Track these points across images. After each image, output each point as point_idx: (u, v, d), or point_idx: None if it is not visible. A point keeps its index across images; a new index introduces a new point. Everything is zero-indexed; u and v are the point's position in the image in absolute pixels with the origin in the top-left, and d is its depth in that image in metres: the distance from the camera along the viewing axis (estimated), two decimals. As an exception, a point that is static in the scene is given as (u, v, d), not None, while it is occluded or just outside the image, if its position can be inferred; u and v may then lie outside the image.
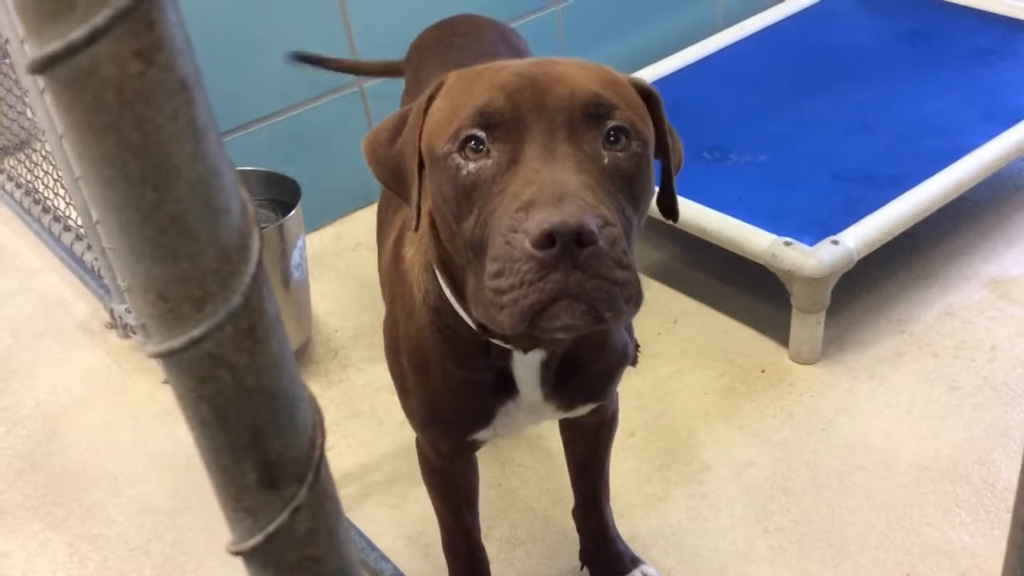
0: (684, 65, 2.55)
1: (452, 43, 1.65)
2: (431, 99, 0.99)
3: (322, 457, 0.42)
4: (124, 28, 0.31)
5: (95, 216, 1.78)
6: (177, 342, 0.36)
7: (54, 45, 0.30)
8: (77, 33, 0.30)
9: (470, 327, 1.06)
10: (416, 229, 1.03)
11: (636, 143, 0.92)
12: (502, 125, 0.89)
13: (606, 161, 0.90)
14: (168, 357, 0.36)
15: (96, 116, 0.32)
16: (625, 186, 0.91)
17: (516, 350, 1.09)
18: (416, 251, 1.14)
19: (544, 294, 0.82)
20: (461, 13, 1.77)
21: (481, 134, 0.89)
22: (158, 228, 0.34)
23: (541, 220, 0.80)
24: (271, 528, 0.40)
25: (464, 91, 0.94)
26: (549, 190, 0.82)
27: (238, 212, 0.36)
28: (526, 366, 1.12)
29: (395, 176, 1.04)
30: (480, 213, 0.89)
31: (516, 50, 1.70)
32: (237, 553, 0.41)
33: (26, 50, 1.56)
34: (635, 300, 0.88)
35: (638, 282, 0.89)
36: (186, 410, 0.38)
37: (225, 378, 0.37)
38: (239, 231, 0.36)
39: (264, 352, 0.38)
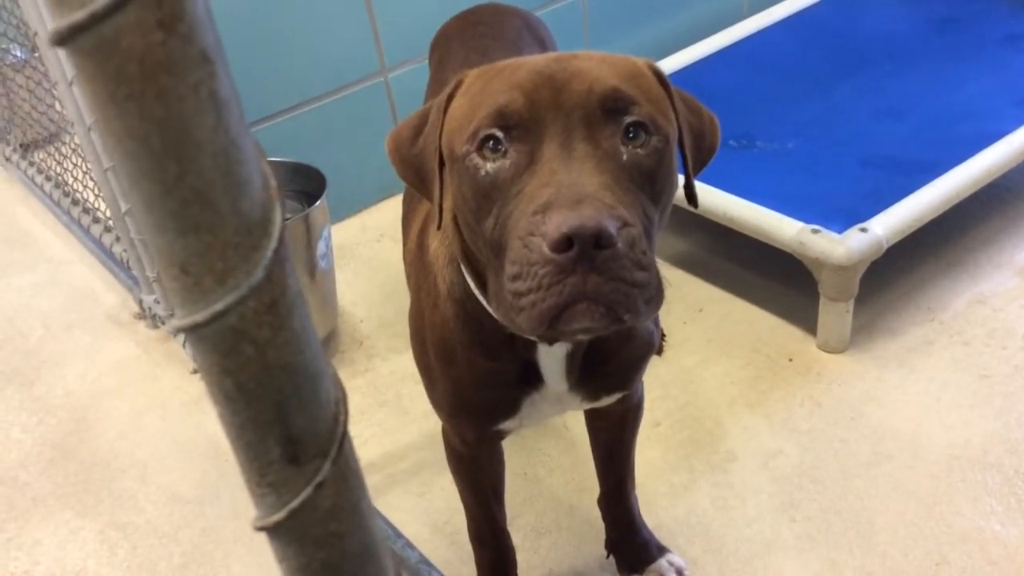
0: (711, 52, 2.54)
1: (475, 31, 1.65)
2: (451, 97, 0.99)
3: (345, 432, 0.42)
4: (146, -2, 0.31)
5: (124, 205, 1.79)
6: (200, 316, 0.36)
7: (76, 15, 0.31)
8: (99, 2, 0.30)
9: (495, 319, 1.06)
10: (439, 227, 1.02)
11: (656, 138, 0.90)
12: (520, 125, 0.88)
13: (625, 158, 0.88)
14: (191, 331, 0.36)
15: (119, 87, 0.32)
16: (645, 183, 0.90)
17: (541, 342, 1.09)
18: (440, 243, 1.13)
19: (562, 297, 0.82)
20: (486, 2, 1.77)
21: (499, 134, 0.88)
22: (180, 200, 0.34)
23: (559, 223, 0.79)
24: (295, 503, 0.40)
25: (483, 90, 0.93)
26: (566, 192, 0.82)
27: (260, 186, 0.36)
28: (552, 357, 1.12)
29: (418, 174, 1.03)
30: (499, 214, 0.88)
31: (539, 39, 1.70)
32: (261, 528, 0.41)
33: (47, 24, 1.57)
34: (655, 300, 0.87)
35: (659, 281, 0.88)
36: (210, 385, 0.38)
37: (248, 352, 0.37)
38: (261, 205, 0.36)
39: (286, 327, 0.38)
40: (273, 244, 0.36)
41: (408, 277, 1.35)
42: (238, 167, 0.35)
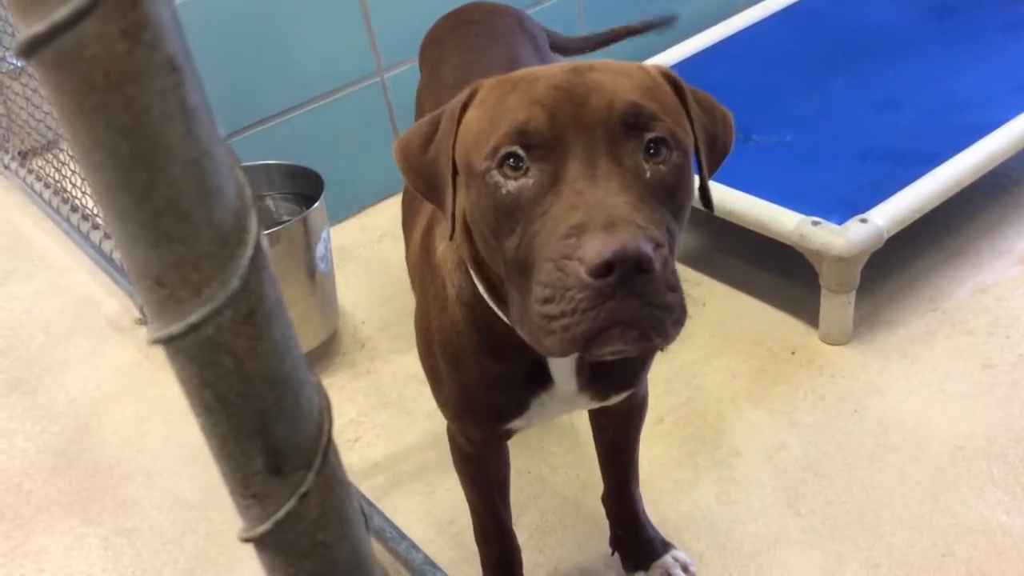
0: (707, 46, 2.53)
1: (468, 31, 1.64)
2: (464, 107, 0.96)
3: (329, 442, 0.41)
4: (109, 7, 0.30)
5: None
6: (176, 328, 0.35)
7: (38, 27, 0.30)
8: (60, 13, 0.30)
9: (505, 323, 1.05)
10: (451, 237, 1.00)
11: (676, 153, 0.89)
12: (541, 143, 0.86)
13: (648, 175, 0.87)
14: (168, 343, 0.36)
15: (84, 98, 0.31)
16: (667, 199, 0.89)
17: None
18: (448, 248, 1.12)
19: (597, 322, 0.80)
20: (475, 0, 1.76)
21: (520, 152, 0.86)
22: (152, 211, 0.33)
23: (598, 249, 0.78)
24: (280, 515, 0.40)
25: (500, 103, 0.91)
26: (599, 215, 0.80)
27: (234, 194, 0.36)
28: (562, 360, 1.11)
29: (428, 183, 1.01)
30: (523, 234, 0.86)
31: (532, 36, 1.69)
32: (247, 540, 0.41)
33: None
34: (681, 320, 0.86)
35: (684, 300, 0.87)
36: (189, 397, 0.38)
37: (226, 364, 0.37)
38: (235, 213, 0.36)
39: (266, 337, 0.37)
40: (249, 253, 0.36)
41: (412, 279, 1.34)
42: (210, 176, 0.34)
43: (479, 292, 1.06)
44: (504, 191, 0.87)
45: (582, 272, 0.79)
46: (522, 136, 0.86)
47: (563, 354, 0.85)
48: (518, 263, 0.88)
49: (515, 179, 0.86)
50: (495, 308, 1.05)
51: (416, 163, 1.01)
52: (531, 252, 0.85)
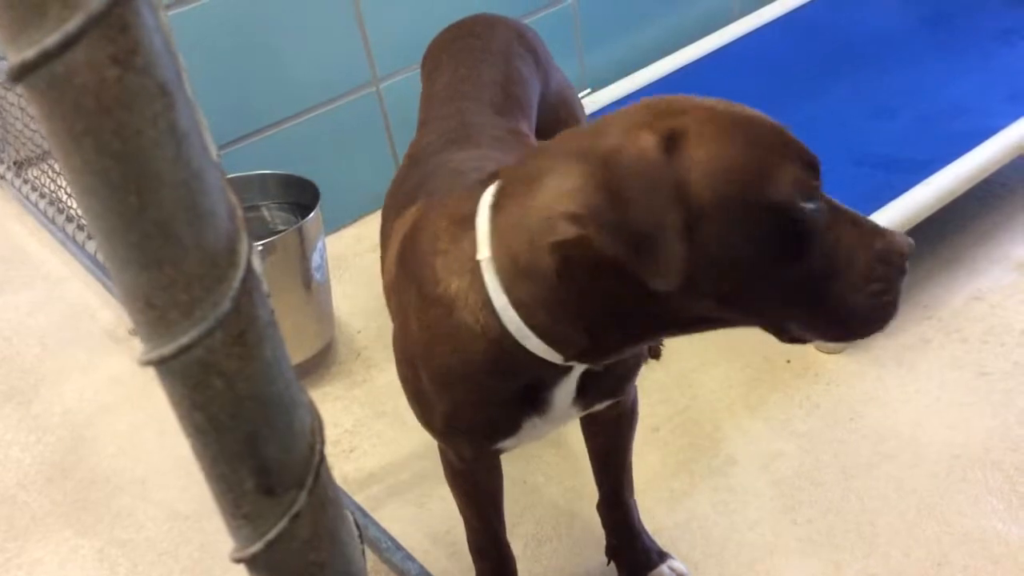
0: (702, 55, 2.53)
1: (465, 44, 1.64)
2: (668, 150, 0.91)
3: (322, 462, 0.41)
4: (98, 33, 0.30)
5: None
6: (167, 349, 0.35)
7: (28, 53, 0.30)
8: (50, 40, 0.30)
9: (528, 351, 1.04)
10: (676, 287, 0.92)
11: None
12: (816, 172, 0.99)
13: None
14: (159, 365, 0.36)
15: (75, 123, 0.32)
16: None
17: (594, 365, 1.09)
18: (469, 287, 1.05)
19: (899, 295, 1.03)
20: (477, 13, 1.76)
21: (816, 182, 0.98)
22: (142, 234, 0.33)
23: (903, 243, 1.01)
24: (271, 535, 0.40)
25: (743, 137, 0.96)
26: (871, 222, 1.01)
27: (225, 216, 0.36)
28: (570, 378, 1.12)
29: (637, 241, 0.91)
30: (821, 252, 0.97)
31: (532, 50, 1.68)
32: (239, 560, 0.41)
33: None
34: None
35: None
36: (180, 418, 0.38)
37: (217, 385, 0.37)
38: (226, 236, 0.36)
39: (257, 358, 0.38)
40: (240, 275, 0.36)
41: (389, 300, 1.30)
42: (201, 199, 0.34)
43: (507, 329, 1.03)
44: (811, 218, 0.96)
45: (904, 262, 1.01)
46: (811, 167, 0.98)
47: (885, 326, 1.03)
48: (816, 275, 0.98)
49: (814, 205, 0.97)
50: (534, 339, 1.03)
51: (612, 221, 0.92)
52: (837, 262, 0.99)
